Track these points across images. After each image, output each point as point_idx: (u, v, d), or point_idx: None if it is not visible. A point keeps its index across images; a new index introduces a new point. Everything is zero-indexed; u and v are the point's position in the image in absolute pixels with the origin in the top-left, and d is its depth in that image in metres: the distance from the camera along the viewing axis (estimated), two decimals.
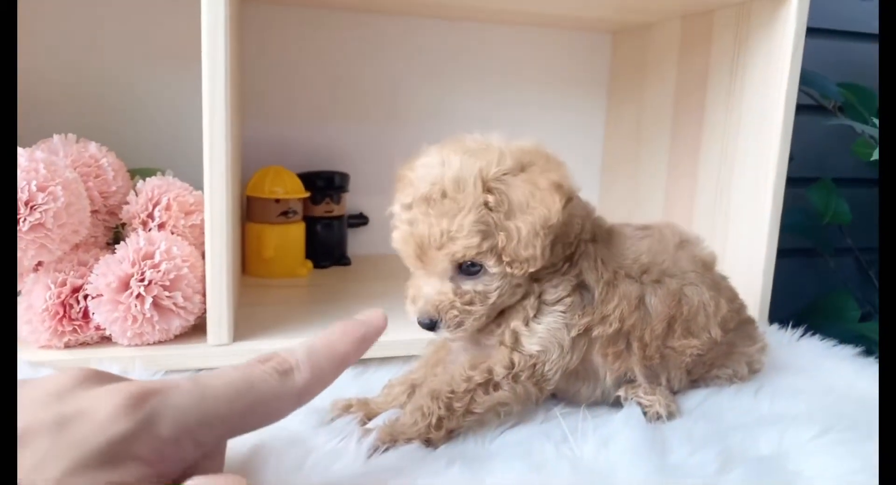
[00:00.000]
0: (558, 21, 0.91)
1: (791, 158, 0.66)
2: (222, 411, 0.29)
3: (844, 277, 1.09)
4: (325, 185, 0.84)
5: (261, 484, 0.36)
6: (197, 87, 0.51)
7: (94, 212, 0.57)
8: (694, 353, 0.50)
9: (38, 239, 0.50)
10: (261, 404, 0.30)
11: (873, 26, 1.02)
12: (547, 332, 0.45)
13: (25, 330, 0.52)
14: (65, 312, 0.52)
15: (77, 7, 0.76)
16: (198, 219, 0.59)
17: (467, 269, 0.43)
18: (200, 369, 0.53)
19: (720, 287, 0.53)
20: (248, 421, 0.30)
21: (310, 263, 0.83)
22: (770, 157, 0.66)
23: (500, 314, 0.46)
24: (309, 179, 0.82)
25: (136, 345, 0.53)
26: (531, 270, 0.43)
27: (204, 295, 0.55)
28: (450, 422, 0.43)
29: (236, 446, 0.34)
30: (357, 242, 0.92)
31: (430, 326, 0.44)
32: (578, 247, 0.47)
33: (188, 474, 0.27)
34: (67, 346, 0.53)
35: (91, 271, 0.53)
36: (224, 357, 0.54)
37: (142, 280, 0.52)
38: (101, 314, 0.52)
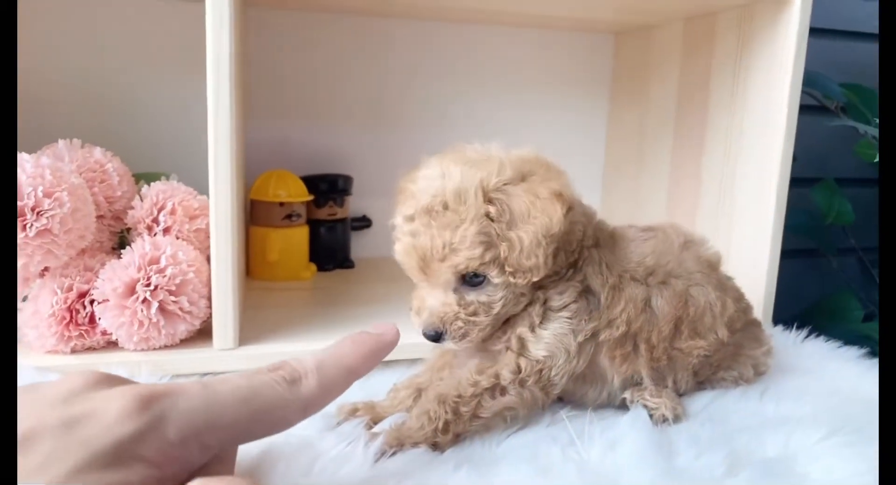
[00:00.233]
0: (560, 23, 0.91)
1: (794, 159, 0.66)
2: (229, 415, 0.29)
3: (847, 278, 1.09)
4: (328, 188, 0.84)
5: None
6: (201, 90, 0.51)
7: (99, 217, 0.58)
8: (701, 354, 0.50)
9: (45, 245, 0.50)
10: (267, 411, 0.30)
11: (875, 26, 1.02)
12: (553, 337, 0.45)
13: (32, 335, 0.52)
14: (71, 317, 0.52)
15: (80, 9, 0.76)
16: (202, 223, 0.59)
17: (470, 280, 0.44)
18: (206, 374, 0.54)
19: (726, 287, 0.53)
20: (254, 427, 0.30)
21: (313, 267, 0.84)
22: (773, 157, 0.66)
23: (505, 322, 0.46)
24: (312, 182, 0.83)
25: (143, 350, 0.53)
26: (534, 279, 0.43)
27: (209, 299, 0.55)
28: (456, 426, 0.43)
29: (245, 451, 0.34)
30: (360, 245, 0.92)
31: (436, 337, 0.44)
32: (582, 253, 0.47)
33: (195, 477, 0.27)
34: (74, 351, 0.53)
35: (97, 276, 0.53)
36: (230, 361, 0.54)
37: (148, 285, 0.52)
38: (108, 319, 0.52)
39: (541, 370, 0.45)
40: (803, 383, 0.55)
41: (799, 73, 0.64)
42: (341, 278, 0.83)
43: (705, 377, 0.53)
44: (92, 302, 0.53)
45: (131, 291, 0.52)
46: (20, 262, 0.49)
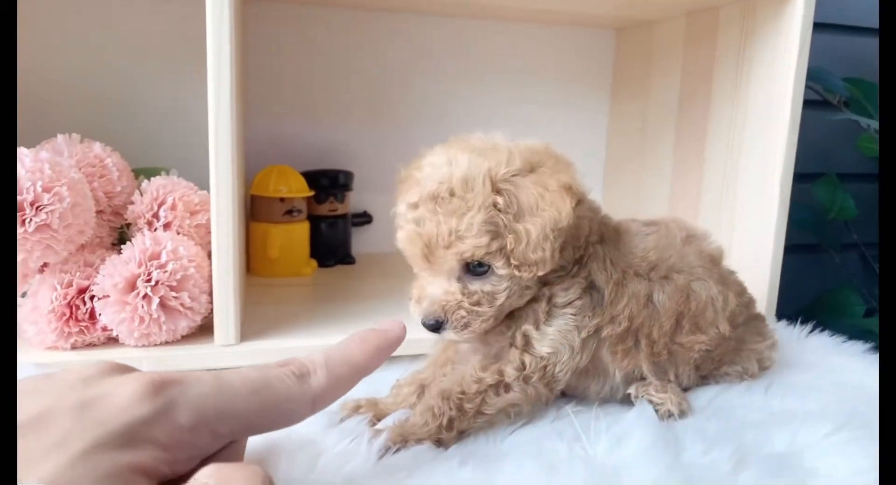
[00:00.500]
0: (561, 18, 0.90)
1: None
2: (239, 405, 0.29)
3: (849, 273, 1.09)
4: (329, 183, 0.84)
5: None
6: (201, 85, 0.51)
7: (99, 212, 0.57)
8: (702, 348, 0.50)
9: (44, 240, 0.49)
10: (277, 403, 0.31)
11: (877, 21, 1.01)
12: (558, 334, 0.45)
13: (32, 331, 0.52)
14: (71, 313, 0.52)
15: (80, 5, 0.76)
16: (203, 218, 0.59)
17: (475, 269, 0.43)
18: (208, 370, 0.53)
19: (728, 282, 0.53)
20: (263, 419, 0.31)
21: (314, 262, 0.83)
22: (776, 152, 0.65)
23: (508, 316, 0.46)
24: (313, 177, 0.82)
25: (144, 346, 0.53)
26: (540, 273, 0.42)
27: (210, 295, 0.54)
28: (460, 423, 0.43)
29: (248, 448, 0.34)
30: (361, 241, 0.91)
31: (436, 326, 0.44)
32: (587, 249, 0.46)
33: (205, 464, 0.27)
34: (74, 347, 0.53)
35: (97, 272, 0.53)
36: (231, 357, 0.54)
37: (148, 280, 0.52)
38: (108, 315, 0.52)
39: (545, 367, 0.45)
40: (808, 378, 0.55)
41: (803, 67, 0.64)
42: (342, 274, 0.83)
43: (708, 372, 0.53)
44: (92, 298, 0.52)
45: (132, 286, 0.52)
46: (19, 257, 0.49)
